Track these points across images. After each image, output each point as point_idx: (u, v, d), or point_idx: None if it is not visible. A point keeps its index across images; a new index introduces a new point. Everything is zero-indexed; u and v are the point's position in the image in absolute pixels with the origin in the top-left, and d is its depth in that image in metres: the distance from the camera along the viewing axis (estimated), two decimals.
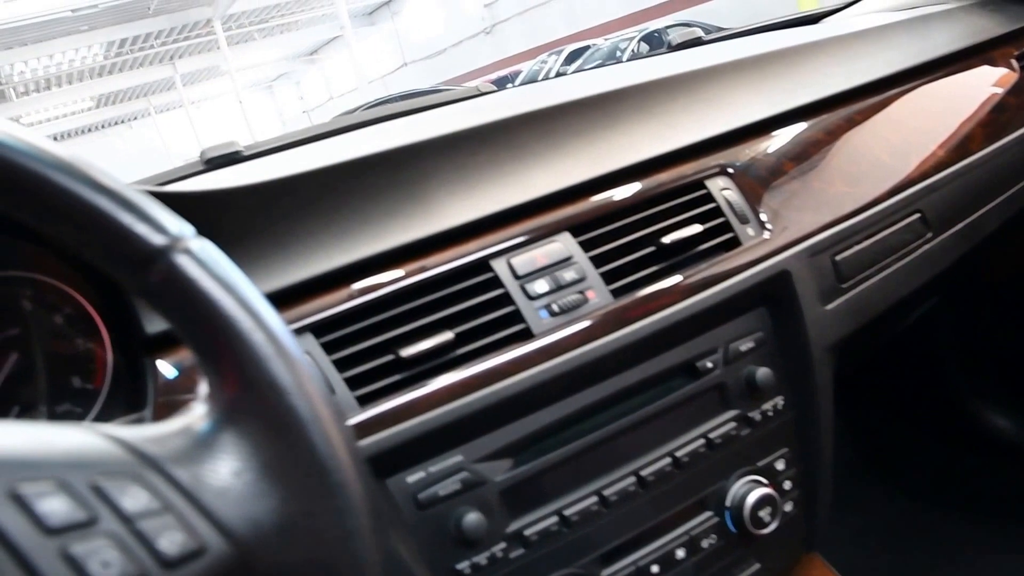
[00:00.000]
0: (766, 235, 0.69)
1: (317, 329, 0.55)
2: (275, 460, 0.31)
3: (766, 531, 0.67)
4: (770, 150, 0.75)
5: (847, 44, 0.88)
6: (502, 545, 0.58)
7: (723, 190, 0.69)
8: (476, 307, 0.58)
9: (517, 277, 0.60)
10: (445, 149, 0.62)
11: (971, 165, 0.86)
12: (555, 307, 0.60)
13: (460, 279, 0.59)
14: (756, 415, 0.68)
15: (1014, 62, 1.02)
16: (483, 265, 0.60)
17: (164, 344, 0.53)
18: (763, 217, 0.70)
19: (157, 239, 0.31)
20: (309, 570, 0.30)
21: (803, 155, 0.76)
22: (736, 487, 0.67)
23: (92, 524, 0.26)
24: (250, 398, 0.31)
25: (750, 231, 0.69)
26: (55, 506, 0.26)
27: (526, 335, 0.59)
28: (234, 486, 0.30)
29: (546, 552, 0.60)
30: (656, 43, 12.25)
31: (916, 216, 0.80)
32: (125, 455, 0.29)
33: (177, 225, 0.32)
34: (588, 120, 0.68)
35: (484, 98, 1.05)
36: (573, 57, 13.02)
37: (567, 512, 0.60)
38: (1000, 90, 0.97)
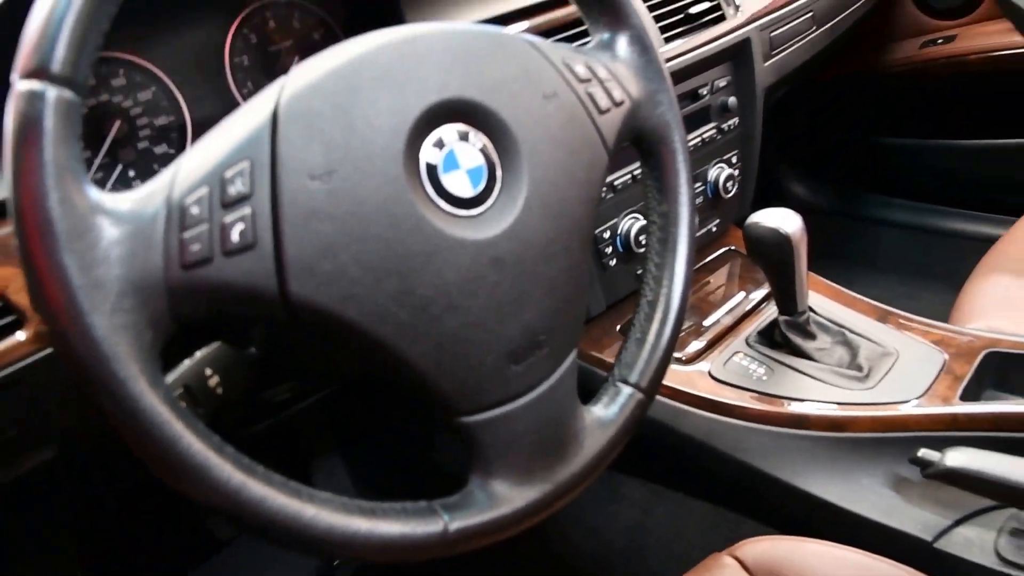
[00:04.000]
0: (739, 15, 1.10)
1: None
2: (646, 58, 0.64)
3: (728, 196, 1.12)
4: None
5: None
6: None
7: None
8: None
9: None
10: None
11: None
12: None
13: None
14: (725, 127, 1.11)
15: None
16: None
17: None
18: (736, 1, 1.11)
19: None
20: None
21: None
22: (713, 170, 1.11)
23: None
24: (625, 34, 0.64)
25: (731, 11, 1.10)
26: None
27: None
28: (628, 67, 0.63)
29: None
30: None
31: (810, 15, 1.24)
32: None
33: None
34: None
35: None
36: None
37: (618, 180, 1.00)
38: None
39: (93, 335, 0.41)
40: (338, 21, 0.88)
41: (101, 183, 0.72)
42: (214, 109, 0.81)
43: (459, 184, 0.51)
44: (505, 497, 0.52)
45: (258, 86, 0.84)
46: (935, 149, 1.75)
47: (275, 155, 0.46)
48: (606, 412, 0.61)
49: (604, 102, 0.59)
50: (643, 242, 0.99)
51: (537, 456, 0.55)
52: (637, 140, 0.65)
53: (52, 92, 0.41)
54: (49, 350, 0.61)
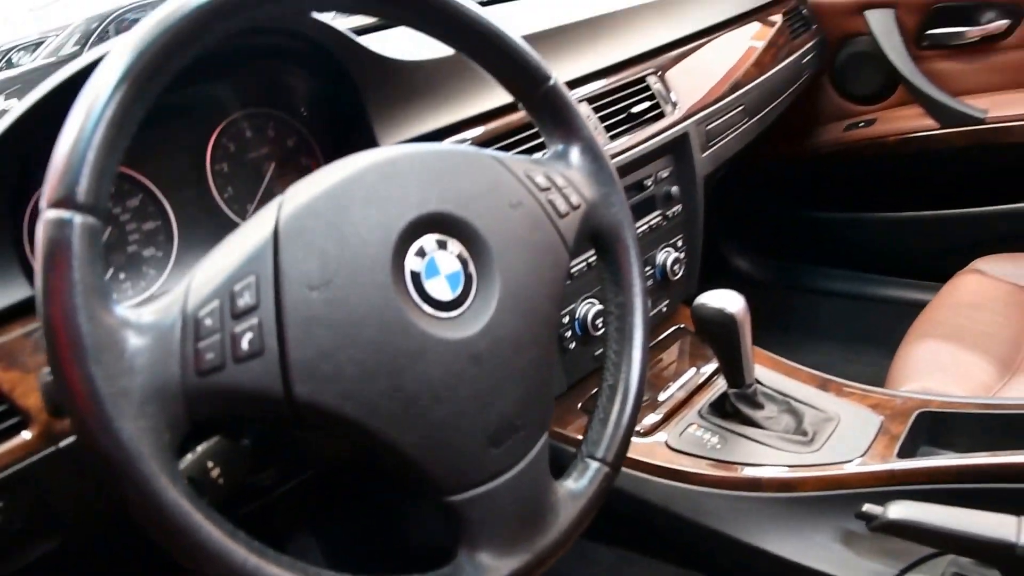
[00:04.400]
0: (676, 112, 1.21)
1: None
2: (597, 165, 0.73)
3: (676, 278, 1.20)
4: (673, 61, 1.26)
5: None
6: None
7: (655, 84, 1.19)
8: None
9: None
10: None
11: (767, 78, 1.43)
12: None
13: None
14: (670, 214, 1.20)
15: (780, 17, 1.62)
16: None
17: None
18: (673, 99, 1.22)
19: (546, 72, 0.70)
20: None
21: (688, 66, 1.28)
22: (661, 254, 1.19)
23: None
24: (577, 145, 0.73)
25: (669, 108, 1.20)
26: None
27: None
28: (581, 174, 0.71)
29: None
30: None
31: (741, 107, 1.36)
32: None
33: (548, 66, 0.71)
34: (590, 32, 1.15)
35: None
36: None
37: (575, 268, 1.08)
38: (773, 34, 1.56)
39: (120, 438, 0.46)
40: (310, 129, 0.95)
41: None
42: (198, 213, 0.87)
43: (440, 289, 0.57)
44: (491, 567, 0.58)
45: (237, 191, 0.90)
46: (866, 222, 1.88)
47: (278, 269, 0.52)
48: (577, 485, 0.67)
49: (563, 207, 0.67)
50: (600, 325, 1.06)
51: (518, 528, 0.61)
52: (594, 238, 0.72)
53: (78, 219, 0.46)
54: (54, 448, 0.65)
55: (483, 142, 0.96)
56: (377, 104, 0.90)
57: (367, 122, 0.90)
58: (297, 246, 0.53)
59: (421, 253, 0.57)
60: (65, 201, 0.46)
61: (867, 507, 0.81)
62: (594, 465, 0.68)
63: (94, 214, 0.47)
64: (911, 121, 1.72)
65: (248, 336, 0.50)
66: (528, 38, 0.71)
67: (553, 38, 1.11)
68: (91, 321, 0.46)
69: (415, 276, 0.57)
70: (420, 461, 0.56)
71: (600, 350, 1.09)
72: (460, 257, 0.59)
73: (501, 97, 0.99)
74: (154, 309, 0.50)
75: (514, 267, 0.61)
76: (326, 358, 0.52)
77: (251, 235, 0.53)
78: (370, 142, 0.90)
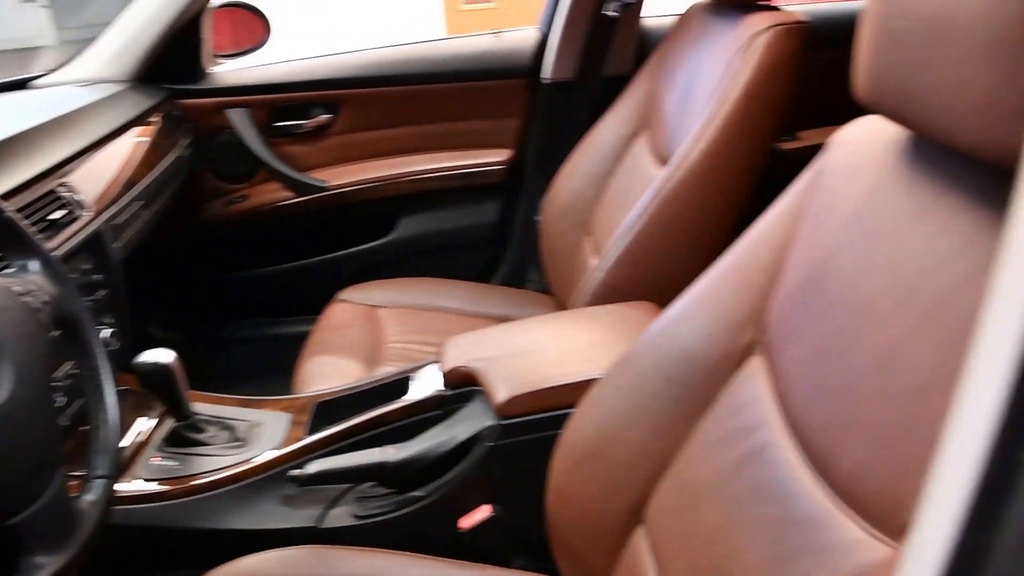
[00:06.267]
0: (87, 213, 1.45)
1: None
2: (53, 271, 0.99)
3: (114, 349, 1.45)
4: (76, 171, 1.50)
5: (93, 111, 1.67)
6: None
7: (64, 193, 1.42)
8: None
9: None
10: None
11: (155, 172, 1.75)
12: None
13: None
14: (99, 298, 1.44)
15: (159, 119, 1.95)
16: None
17: None
18: (83, 203, 1.45)
19: None
20: None
21: (89, 174, 1.53)
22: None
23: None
24: (36, 259, 0.99)
25: (80, 212, 1.43)
26: None
27: None
28: (43, 279, 0.98)
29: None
30: None
31: (140, 201, 1.65)
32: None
33: None
34: None
35: None
36: None
37: None
38: (155, 135, 1.88)
39: None
40: None
41: None
42: None
43: None
44: (47, 564, 0.82)
45: None
46: (258, 276, 2.31)
47: None
48: (94, 496, 0.94)
49: (37, 304, 0.92)
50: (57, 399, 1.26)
51: (59, 534, 0.85)
52: (60, 324, 0.97)
53: None
54: None
55: None
56: None
57: None
58: None
59: None
60: None
61: (292, 472, 1.20)
62: (99, 482, 0.95)
63: None
64: (275, 194, 2.20)
65: None
66: None
67: None
68: None
69: None
70: None
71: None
72: None
73: None
74: None
75: (18, 353, 0.85)
76: None
77: None
78: None
